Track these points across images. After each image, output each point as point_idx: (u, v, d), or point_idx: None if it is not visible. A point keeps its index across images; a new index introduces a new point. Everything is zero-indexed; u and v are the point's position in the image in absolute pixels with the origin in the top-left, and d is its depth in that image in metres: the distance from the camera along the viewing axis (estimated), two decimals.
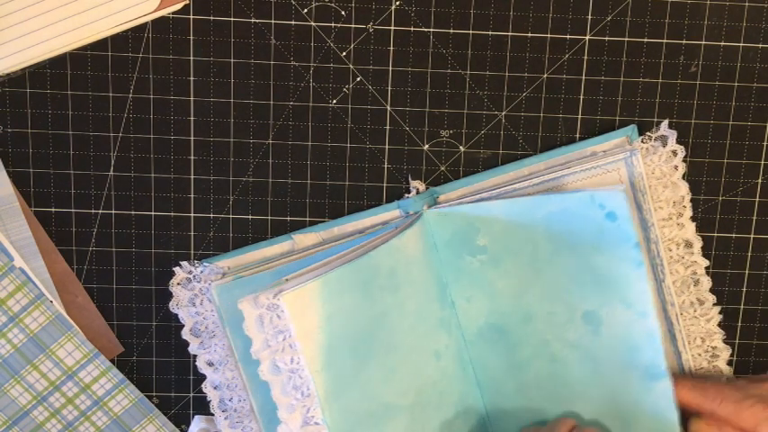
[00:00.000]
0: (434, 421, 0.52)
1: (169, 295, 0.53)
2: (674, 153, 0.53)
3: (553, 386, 0.53)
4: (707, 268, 0.55)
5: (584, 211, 0.49)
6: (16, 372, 0.52)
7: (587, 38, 0.53)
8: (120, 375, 0.54)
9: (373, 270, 0.48)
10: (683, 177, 0.54)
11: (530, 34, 0.53)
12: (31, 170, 0.52)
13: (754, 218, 0.55)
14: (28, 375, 0.52)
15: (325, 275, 0.46)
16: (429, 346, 0.52)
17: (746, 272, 0.56)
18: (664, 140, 0.53)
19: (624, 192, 0.48)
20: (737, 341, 0.57)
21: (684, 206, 0.53)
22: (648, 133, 0.53)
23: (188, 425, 0.55)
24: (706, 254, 0.55)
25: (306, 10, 0.51)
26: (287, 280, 0.47)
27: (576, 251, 0.50)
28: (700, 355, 0.56)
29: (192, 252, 0.54)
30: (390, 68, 0.52)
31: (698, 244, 0.54)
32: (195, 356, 0.53)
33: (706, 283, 0.55)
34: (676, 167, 0.53)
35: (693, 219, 0.55)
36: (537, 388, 0.54)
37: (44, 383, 0.53)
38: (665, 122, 0.53)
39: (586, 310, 0.51)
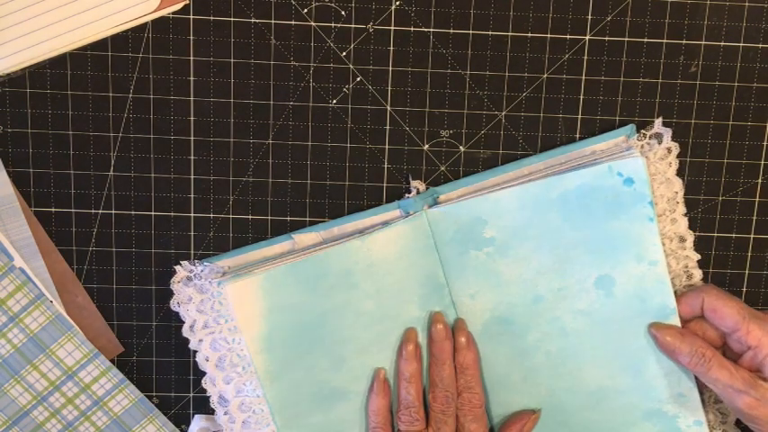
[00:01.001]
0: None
1: (169, 295, 0.53)
2: (669, 150, 0.53)
3: (562, 361, 0.54)
4: (705, 267, 0.55)
5: (601, 182, 0.51)
6: (16, 372, 0.52)
7: (587, 38, 0.53)
8: (120, 375, 0.54)
9: (323, 269, 0.51)
10: (684, 176, 0.54)
11: (530, 34, 0.53)
12: (31, 170, 0.52)
13: (754, 218, 0.55)
14: (28, 375, 0.52)
15: (267, 271, 0.50)
16: (393, 343, 0.53)
17: (746, 272, 0.56)
18: (659, 138, 0.53)
19: (642, 157, 0.50)
20: None
21: (677, 202, 0.54)
22: (643, 131, 0.53)
23: (188, 425, 0.55)
24: (706, 254, 0.55)
25: (306, 10, 0.51)
26: (248, 272, 0.50)
27: (589, 222, 0.52)
28: None
29: (192, 252, 0.54)
30: (390, 68, 0.52)
31: (690, 238, 0.54)
32: (195, 353, 0.53)
33: (698, 276, 0.55)
34: (670, 164, 0.53)
35: (692, 218, 0.55)
36: (545, 369, 0.54)
37: (44, 383, 0.53)
38: (659, 120, 0.53)
39: (599, 276, 0.52)
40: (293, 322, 0.51)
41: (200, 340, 0.52)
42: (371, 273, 0.52)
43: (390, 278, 0.52)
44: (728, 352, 0.53)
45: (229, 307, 0.51)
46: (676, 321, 0.52)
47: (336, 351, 0.52)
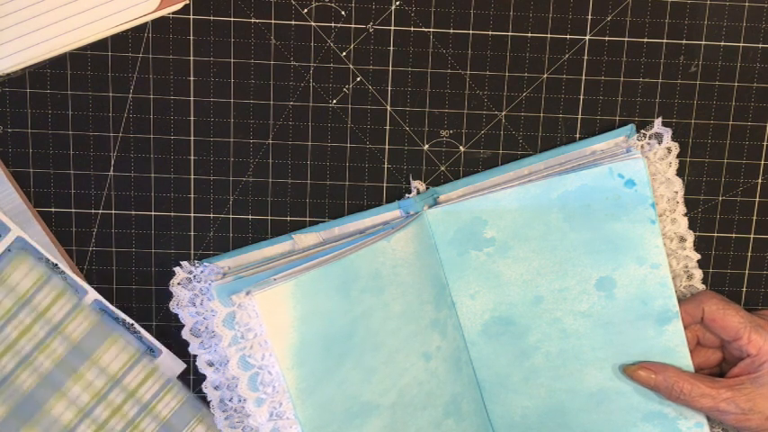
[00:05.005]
0: (419, 421, 0.52)
1: (169, 295, 0.53)
2: (669, 150, 0.53)
3: (562, 362, 0.54)
4: (705, 267, 0.55)
5: (602, 183, 0.51)
6: (62, 383, 0.51)
7: (587, 38, 0.53)
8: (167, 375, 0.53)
9: (354, 272, 0.49)
10: (684, 176, 0.54)
11: (530, 34, 0.53)
12: (31, 170, 0.52)
13: (754, 218, 0.55)
14: (74, 386, 0.52)
15: (297, 277, 0.47)
16: (416, 347, 0.52)
17: (746, 272, 0.56)
18: (659, 138, 0.53)
19: (643, 158, 0.50)
20: None
21: (677, 202, 0.54)
22: (643, 131, 0.53)
23: None
24: (706, 254, 0.55)
25: (306, 10, 0.51)
26: (275, 280, 0.48)
27: (590, 223, 0.51)
28: None
29: (192, 252, 0.54)
30: (390, 68, 0.52)
31: (690, 238, 0.54)
32: (195, 356, 0.53)
33: (698, 276, 0.55)
34: (670, 164, 0.53)
35: (692, 218, 0.55)
36: (546, 370, 0.54)
37: (90, 394, 0.52)
38: (659, 120, 0.53)
39: (600, 278, 0.52)
40: (324, 332, 0.48)
41: (227, 358, 0.49)
42: (396, 273, 0.51)
43: (411, 278, 0.51)
44: (727, 355, 0.53)
45: (258, 319, 0.47)
46: (679, 325, 0.52)
47: (366, 361, 0.50)
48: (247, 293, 0.47)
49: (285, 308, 0.47)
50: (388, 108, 0.53)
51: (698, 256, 0.55)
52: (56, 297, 0.51)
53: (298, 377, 0.47)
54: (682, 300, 0.53)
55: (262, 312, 0.46)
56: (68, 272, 0.52)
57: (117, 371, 0.52)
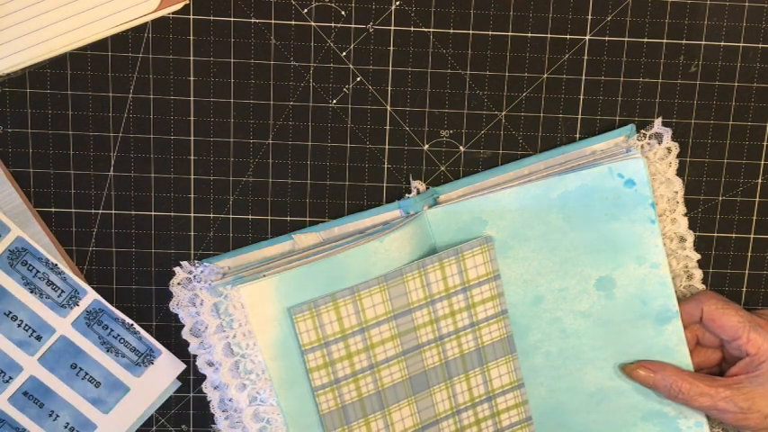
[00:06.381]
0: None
1: (169, 295, 0.53)
2: (669, 150, 0.53)
3: (562, 362, 0.54)
4: (705, 267, 0.55)
5: (602, 183, 0.51)
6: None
7: (587, 38, 0.53)
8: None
9: (342, 271, 0.49)
10: (684, 176, 0.54)
11: (530, 34, 0.53)
12: (31, 170, 0.52)
13: (754, 218, 0.55)
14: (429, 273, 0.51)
15: (282, 273, 0.49)
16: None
17: (746, 272, 0.56)
18: (659, 138, 0.53)
19: (643, 158, 0.50)
20: None
21: (677, 202, 0.54)
22: (643, 131, 0.53)
23: (188, 425, 0.55)
24: (706, 254, 0.55)
25: (306, 10, 0.51)
26: (264, 275, 0.49)
27: (590, 223, 0.52)
28: None
29: (192, 252, 0.54)
30: (390, 68, 0.52)
31: (690, 238, 0.54)
32: (195, 356, 0.53)
33: (698, 276, 0.55)
34: (670, 164, 0.53)
35: (692, 218, 0.55)
36: (545, 369, 0.54)
37: (441, 287, 0.52)
38: (659, 120, 0.53)
39: (599, 277, 0.53)
40: None
41: (212, 345, 0.50)
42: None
43: None
44: (726, 355, 0.53)
45: (243, 310, 0.49)
46: (678, 324, 0.52)
47: None
48: (233, 286, 0.48)
49: (270, 302, 0.48)
50: (388, 108, 0.53)
51: (698, 256, 0.55)
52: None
53: (280, 368, 0.49)
54: (681, 300, 0.53)
55: (247, 305, 0.48)
56: (68, 272, 0.52)
57: (472, 279, 0.52)
